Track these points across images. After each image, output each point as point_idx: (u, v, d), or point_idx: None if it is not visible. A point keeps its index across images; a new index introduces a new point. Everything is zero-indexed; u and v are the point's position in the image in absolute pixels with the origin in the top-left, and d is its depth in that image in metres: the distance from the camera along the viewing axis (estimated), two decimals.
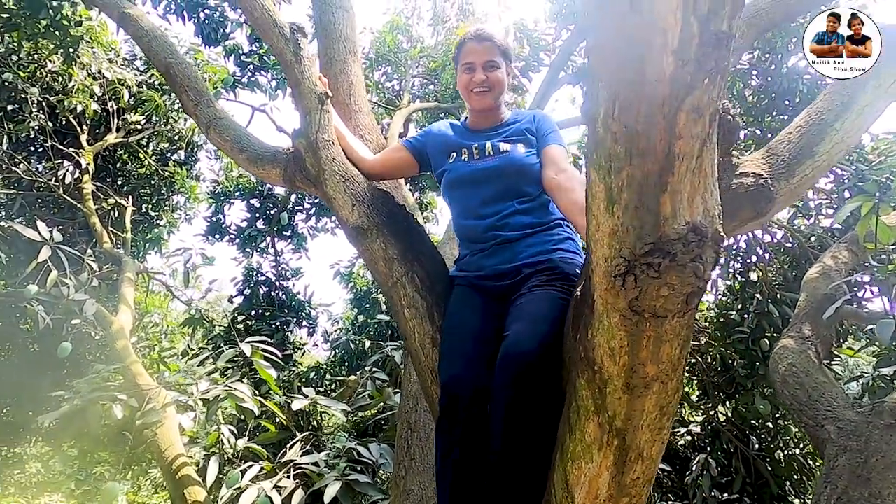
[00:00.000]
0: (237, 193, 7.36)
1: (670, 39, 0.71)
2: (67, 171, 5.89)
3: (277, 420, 3.54)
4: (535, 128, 1.69)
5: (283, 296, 7.05)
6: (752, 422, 5.09)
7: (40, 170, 6.23)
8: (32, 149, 6.42)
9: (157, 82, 6.49)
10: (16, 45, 5.64)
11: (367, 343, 6.02)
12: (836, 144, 1.36)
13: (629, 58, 0.74)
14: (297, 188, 1.91)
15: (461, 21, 7.13)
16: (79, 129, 6.24)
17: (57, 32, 4.50)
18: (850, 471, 1.89)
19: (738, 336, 4.76)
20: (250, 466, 2.75)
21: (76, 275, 4.10)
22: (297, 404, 3.05)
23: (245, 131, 2.05)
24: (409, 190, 6.91)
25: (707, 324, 5.68)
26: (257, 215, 7.29)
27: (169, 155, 7.28)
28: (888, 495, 1.88)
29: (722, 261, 5.68)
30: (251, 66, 6.08)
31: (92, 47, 5.90)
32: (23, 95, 5.71)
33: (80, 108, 5.82)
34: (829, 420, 2.08)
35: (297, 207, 7.49)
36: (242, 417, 3.15)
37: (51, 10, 4.24)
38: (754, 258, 5.39)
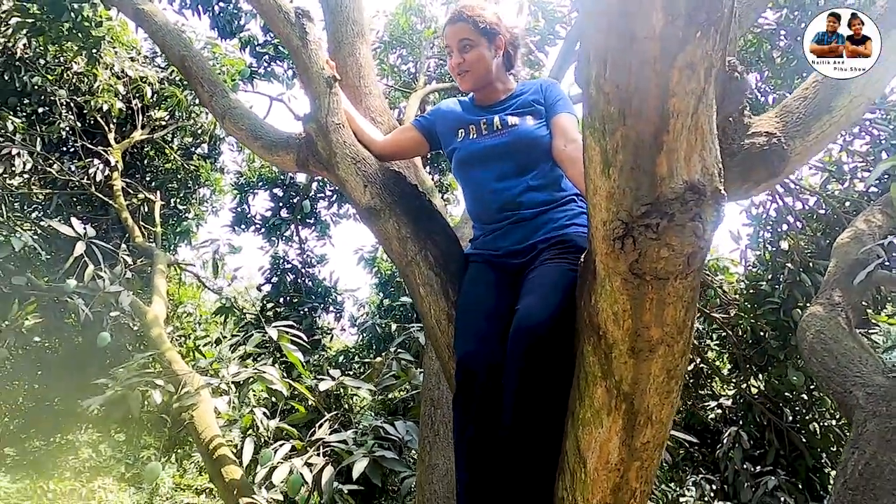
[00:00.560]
0: (260, 184, 7.48)
1: None
2: (98, 169, 6.09)
3: (309, 402, 3.65)
4: (542, 97, 1.66)
5: (310, 282, 7.17)
6: (786, 394, 4.99)
7: (73, 169, 6.45)
8: (64, 149, 6.64)
9: (177, 78, 6.61)
10: (42, 49, 5.81)
11: (394, 326, 6.10)
12: (856, 98, 1.31)
13: (618, 14, 0.73)
14: (311, 172, 1.93)
15: None
16: (106, 128, 6.43)
17: (79, 34, 4.61)
18: (880, 436, 1.85)
19: (769, 307, 4.64)
20: (282, 445, 2.85)
21: (111, 268, 4.27)
22: (324, 385, 3.14)
23: (259, 120, 2.08)
24: (428, 173, 6.90)
25: (737, 296, 5.55)
26: (280, 204, 7.40)
27: (193, 149, 7.44)
28: None
29: (751, 230, 5.54)
30: (266, 57, 6.13)
31: (113, 47, 6.04)
32: (52, 98, 5.90)
33: (106, 107, 5.98)
34: (857, 386, 2.03)
35: (318, 195, 7.57)
36: (274, 400, 3.26)
37: (72, 13, 4.35)
38: (785, 226, 5.23)
